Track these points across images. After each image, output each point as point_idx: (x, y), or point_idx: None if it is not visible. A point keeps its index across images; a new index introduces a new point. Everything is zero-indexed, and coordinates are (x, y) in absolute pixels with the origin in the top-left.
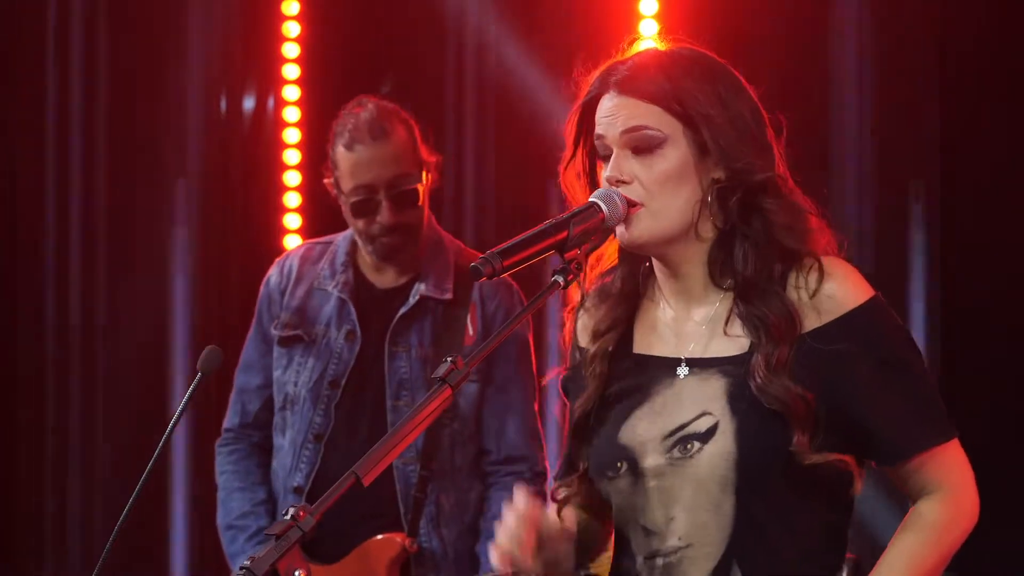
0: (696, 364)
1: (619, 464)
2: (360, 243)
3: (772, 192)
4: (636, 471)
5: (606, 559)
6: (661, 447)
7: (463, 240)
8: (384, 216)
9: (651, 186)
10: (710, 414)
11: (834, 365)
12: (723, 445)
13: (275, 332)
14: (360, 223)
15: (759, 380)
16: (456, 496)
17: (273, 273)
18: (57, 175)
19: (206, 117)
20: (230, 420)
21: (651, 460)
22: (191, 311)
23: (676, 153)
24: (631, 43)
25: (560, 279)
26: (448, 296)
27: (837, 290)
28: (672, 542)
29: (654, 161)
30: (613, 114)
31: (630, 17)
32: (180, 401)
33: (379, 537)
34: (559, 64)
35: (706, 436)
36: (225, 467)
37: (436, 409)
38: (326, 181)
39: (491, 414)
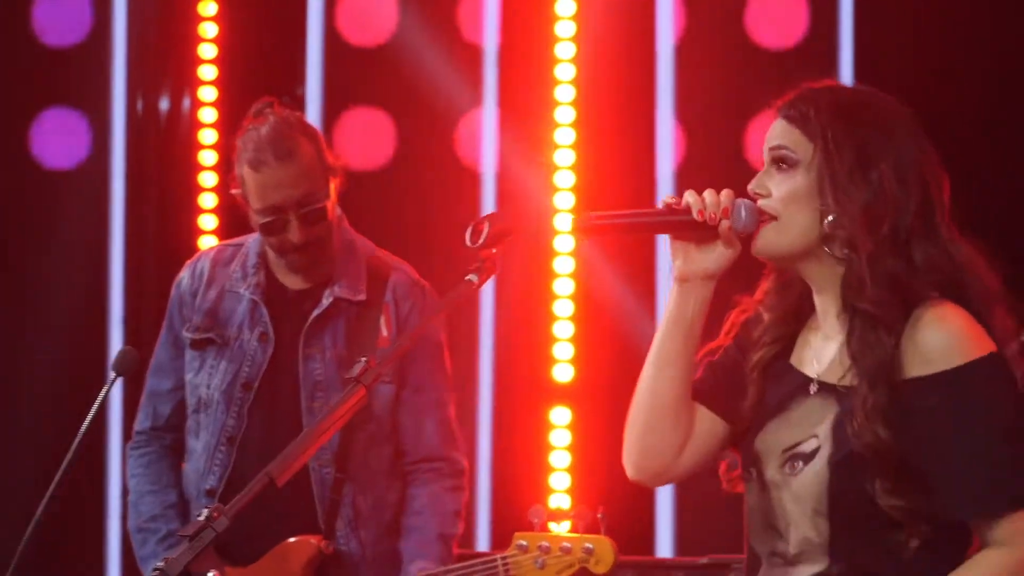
0: (824, 387)
1: (751, 470)
2: (272, 255)
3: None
4: (763, 480)
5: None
6: (777, 460)
7: None
8: (294, 235)
9: (780, 201)
10: (816, 437)
11: (925, 418)
12: (819, 469)
13: (187, 335)
14: (271, 241)
15: (855, 424)
16: (374, 497)
17: (184, 275)
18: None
19: (123, 117)
20: (141, 423)
21: (770, 472)
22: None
23: (806, 176)
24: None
25: (474, 278)
26: (361, 297)
27: (944, 342)
28: (792, 548)
29: (785, 179)
30: (770, 133)
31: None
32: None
33: (293, 539)
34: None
35: (809, 457)
36: (136, 470)
37: (350, 409)
38: (234, 192)
39: (407, 416)
